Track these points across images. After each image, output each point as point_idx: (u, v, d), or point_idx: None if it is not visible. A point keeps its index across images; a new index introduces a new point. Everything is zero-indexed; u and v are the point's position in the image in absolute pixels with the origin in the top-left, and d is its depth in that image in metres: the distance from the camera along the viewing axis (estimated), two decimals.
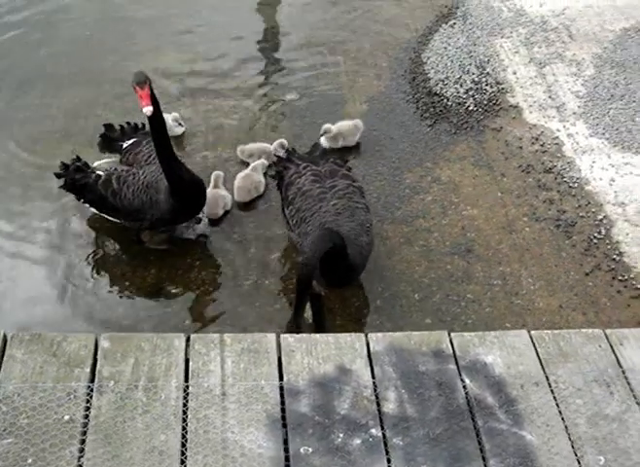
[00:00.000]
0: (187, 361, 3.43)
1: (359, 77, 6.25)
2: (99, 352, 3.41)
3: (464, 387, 3.45)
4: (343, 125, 5.48)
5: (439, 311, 4.51)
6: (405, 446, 3.20)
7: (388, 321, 4.48)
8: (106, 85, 6.12)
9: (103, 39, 6.68)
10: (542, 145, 5.48)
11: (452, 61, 6.15)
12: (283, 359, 3.48)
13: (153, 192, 4.49)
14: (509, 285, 4.63)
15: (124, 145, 4.86)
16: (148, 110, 3.96)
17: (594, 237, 4.84)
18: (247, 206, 5.13)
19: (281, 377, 3.41)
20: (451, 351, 3.60)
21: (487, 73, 6.05)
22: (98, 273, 4.72)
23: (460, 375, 3.49)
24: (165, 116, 4.59)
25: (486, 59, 6.17)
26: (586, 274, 4.66)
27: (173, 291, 4.68)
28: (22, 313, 4.46)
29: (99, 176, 4.65)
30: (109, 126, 5.04)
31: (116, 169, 4.68)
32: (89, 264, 4.76)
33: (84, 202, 4.82)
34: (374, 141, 5.64)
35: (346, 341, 3.60)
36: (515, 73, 6.05)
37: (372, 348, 3.56)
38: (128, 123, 5.03)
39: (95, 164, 4.89)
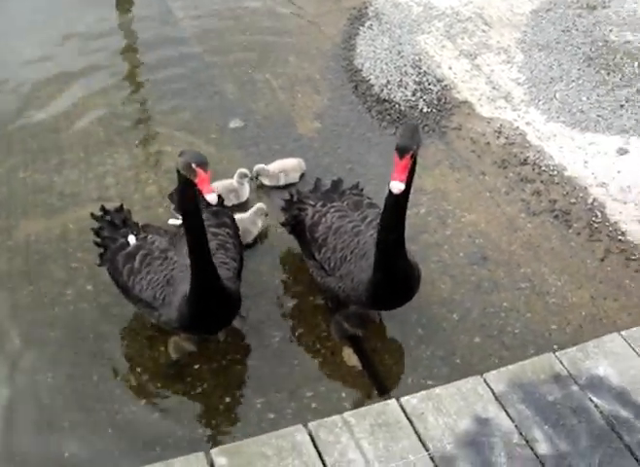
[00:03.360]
0: (319, 454, 3.00)
1: (297, 93, 5.89)
2: None
3: (596, 407, 3.34)
4: (284, 161, 5.11)
5: (483, 327, 4.35)
6: None
7: (438, 349, 4.24)
8: None
9: None
10: (507, 137, 5.47)
11: (387, 64, 5.97)
12: (417, 425, 3.16)
13: (170, 290, 3.80)
14: (537, 286, 4.57)
15: None
16: (213, 198, 3.20)
17: (593, 222, 4.90)
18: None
19: (425, 446, 3.08)
20: (567, 372, 3.47)
21: (424, 72, 5.94)
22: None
23: (587, 395, 3.37)
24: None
25: (417, 58, 6.06)
26: (602, 260, 4.70)
27: (196, 367, 4.12)
28: None
29: (126, 244, 3.96)
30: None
31: (153, 242, 3.98)
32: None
33: (99, 264, 4.14)
34: (343, 160, 5.34)
35: (467, 387, 3.36)
36: (450, 68, 6.00)
37: (495, 390, 3.34)
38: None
39: (170, 222, 4.27)
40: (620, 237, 4.81)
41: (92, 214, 4.23)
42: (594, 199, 5.03)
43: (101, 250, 4.13)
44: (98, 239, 4.13)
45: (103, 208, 4.22)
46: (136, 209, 4.83)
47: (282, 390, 4.01)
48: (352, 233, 4.00)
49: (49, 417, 3.87)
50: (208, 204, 3.83)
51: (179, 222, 4.26)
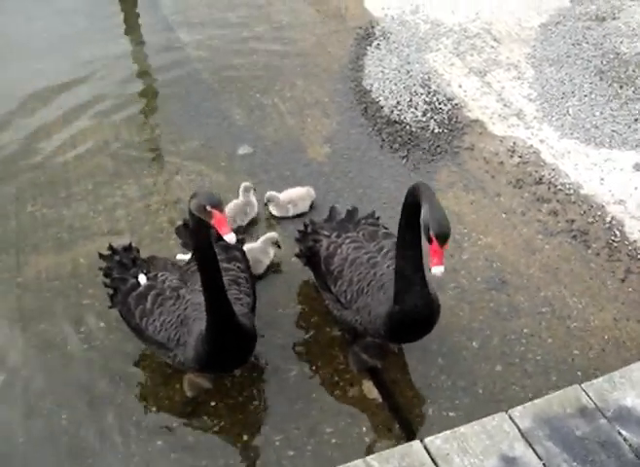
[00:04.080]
0: None
1: (306, 117, 5.82)
2: None
3: (625, 440, 3.23)
4: (292, 192, 5.02)
5: (504, 355, 4.25)
6: None
7: (459, 379, 4.14)
8: None
9: None
10: (520, 156, 5.38)
11: (396, 85, 5.90)
12: None
13: (184, 331, 3.71)
14: (557, 310, 4.46)
15: None
16: (232, 238, 3.14)
17: (612, 241, 4.80)
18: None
19: None
20: (593, 405, 3.36)
21: (434, 91, 5.86)
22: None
23: (615, 428, 3.26)
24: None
25: (427, 77, 5.98)
26: (622, 281, 4.60)
27: (213, 404, 4.04)
28: None
29: (137, 285, 3.88)
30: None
31: (164, 280, 3.90)
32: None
33: (111, 306, 4.07)
34: (355, 184, 5.26)
35: (492, 425, 3.25)
36: (460, 86, 5.92)
37: (521, 426, 3.24)
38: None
39: (178, 257, 4.18)
40: (639, 256, 4.71)
41: (100, 254, 4.16)
42: (612, 218, 4.93)
43: (111, 291, 4.05)
44: (108, 280, 4.05)
45: (111, 247, 4.15)
46: (146, 242, 4.79)
47: (301, 426, 3.93)
48: (368, 265, 3.91)
49: (64, 464, 3.80)
50: (218, 239, 3.76)
51: (187, 257, 4.19)
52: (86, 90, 6.15)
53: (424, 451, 3.10)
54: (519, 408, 3.32)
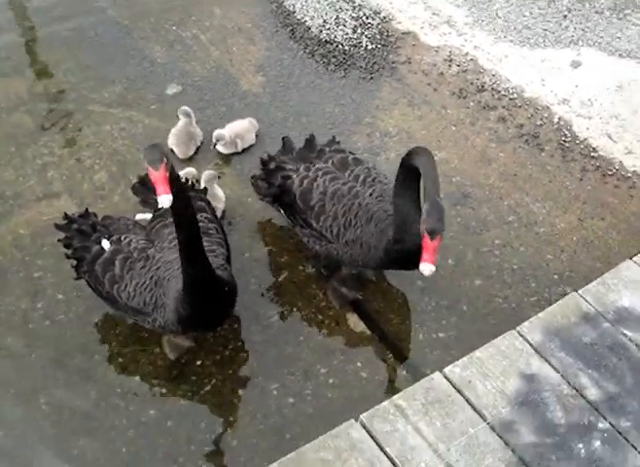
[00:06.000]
0: (380, 448, 2.84)
1: (231, 47, 5.44)
2: None
3: (630, 340, 3.30)
4: (236, 126, 4.74)
5: (481, 268, 4.25)
6: (637, 424, 2.99)
7: (441, 298, 4.11)
8: None
9: None
10: (458, 65, 5.27)
11: (319, 2, 5.61)
12: (467, 395, 3.04)
13: (160, 292, 3.46)
14: (523, 217, 4.48)
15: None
16: (165, 200, 2.82)
17: (564, 142, 4.83)
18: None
19: (481, 415, 2.97)
20: (594, 310, 3.41)
21: (359, 5, 5.61)
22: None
23: (619, 330, 3.33)
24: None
25: None
26: (580, 180, 4.65)
27: (199, 363, 3.86)
28: None
29: (102, 251, 3.57)
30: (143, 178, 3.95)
31: (129, 242, 3.59)
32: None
33: (76, 278, 3.77)
34: (298, 112, 5.01)
35: (505, 345, 3.25)
36: None
37: (531, 342, 3.25)
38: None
39: (138, 217, 3.85)
40: (592, 154, 4.76)
41: (57, 225, 3.80)
42: (560, 118, 4.94)
43: (74, 262, 3.73)
44: (69, 251, 3.72)
45: (67, 216, 3.80)
46: (89, 201, 4.43)
47: (295, 371, 3.82)
48: (351, 196, 3.73)
49: (56, 448, 3.55)
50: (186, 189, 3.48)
51: (148, 216, 3.90)
52: None
53: (447, 382, 3.07)
54: (526, 323, 3.33)
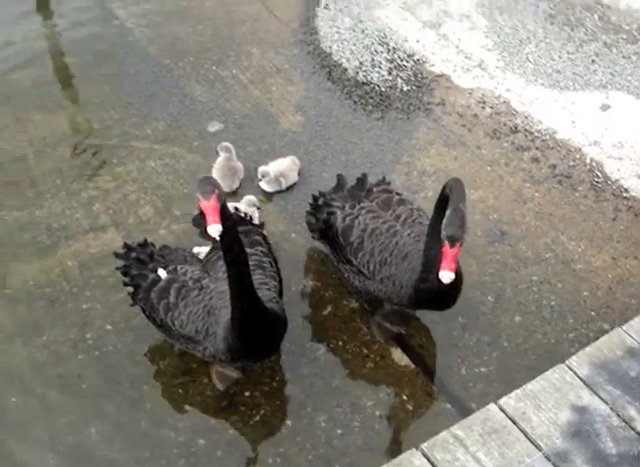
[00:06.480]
0: None
1: (270, 86, 5.62)
2: None
3: None
4: (279, 164, 4.85)
5: (520, 305, 4.34)
6: None
7: (482, 334, 4.19)
8: None
9: None
10: (491, 107, 5.43)
11: (355, 45, 5.79)
12: (522, 426, 3.11)
13: (212, 321, 3.55)
14: (559, 255, 4.58)
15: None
16: (215, 229, 2.91)
17: (596, 182, 4.95)
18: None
19: (536, 446, 3.04)
20: (638, 345, 3.48)
21: (394, 48, 5.80)
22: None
23: None
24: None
25: (382, 34, 5.91)
26: (614, 220, 4.76)
27: (247, 394, 3.93)
28: None
29: (158, 279, 3.67)
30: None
31: (185, 272, 3.70)
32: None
33: (132, 304, 3.86)
34: (337, 151, 5.16)
35: (555, 377, 3.31)
36: (418, 41, 5.88)
37: (581, 375, 3.32)
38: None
39: (195, 250, 3.94)
40: (624, 194, 4.88)
41: (116, 253, 3.92)
42: (591, 160, 5.07)
43: (131, 289, 3.84)
44: (126, 279, 3.84)
45: (126, 245, 3.92)
46: (135, 235, 4.54)
47: (342, 403, 3.88)
48: (389, 235, 3.85)
49: None
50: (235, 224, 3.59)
51: (206, 249, 4.01)
52: (27, 76, 5.69)
53: (502, 414, 3.14)
54: (574, 357, 3.41)
